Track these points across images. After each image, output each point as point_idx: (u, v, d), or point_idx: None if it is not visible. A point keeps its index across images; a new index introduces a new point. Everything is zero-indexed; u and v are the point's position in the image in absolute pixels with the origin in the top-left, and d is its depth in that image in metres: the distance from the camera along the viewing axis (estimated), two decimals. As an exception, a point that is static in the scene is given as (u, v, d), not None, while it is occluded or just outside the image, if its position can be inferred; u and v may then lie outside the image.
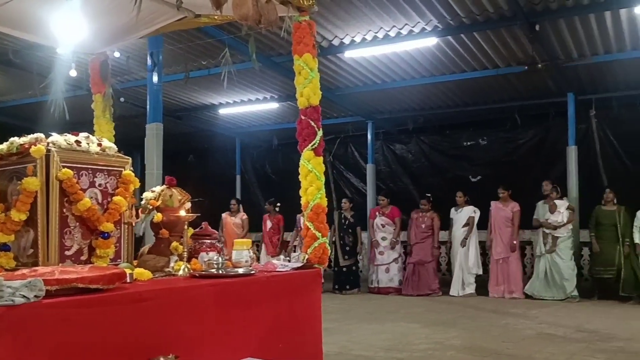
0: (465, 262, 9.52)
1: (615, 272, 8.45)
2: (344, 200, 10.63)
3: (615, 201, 8.78)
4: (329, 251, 3.61)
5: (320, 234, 3.50)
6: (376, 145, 12.50)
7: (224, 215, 10.75)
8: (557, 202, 8.94)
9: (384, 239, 10.04)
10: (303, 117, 3.54)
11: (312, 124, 3.52)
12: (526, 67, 7.92)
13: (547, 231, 8.86)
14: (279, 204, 10.87)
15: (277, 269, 3.27)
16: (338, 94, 10.36)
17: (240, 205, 11.07)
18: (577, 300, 8.53)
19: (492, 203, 9.48)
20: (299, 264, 3.42)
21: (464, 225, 9.63)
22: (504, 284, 9.16)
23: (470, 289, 9.47)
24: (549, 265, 8.80)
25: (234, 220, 10.76)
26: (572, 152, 9.94)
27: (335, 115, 12.00)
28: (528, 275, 9.73)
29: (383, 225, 10.11)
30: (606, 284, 8.66)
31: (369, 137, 12.16)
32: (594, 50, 8.39)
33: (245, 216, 10.94)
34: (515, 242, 9.21)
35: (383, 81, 9.81)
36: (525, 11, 7.04)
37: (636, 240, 8.45)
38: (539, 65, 7.88)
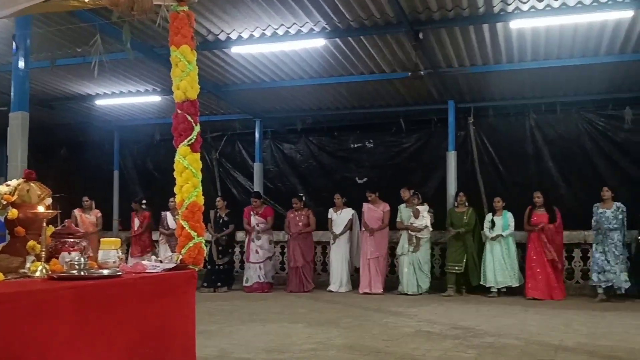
0: (348, 257, 10.12)
1: (463, 268, 9.47)
2: (217, 198, 10.71)
3: (466, 203, 9.75)
4: (205, 251, 3.56)
5: (195, 234, 3.44)
6: (264, 144, 12.52)
7: (76, 211, 10.34)
8: (419, 207, 9.55)
9: (258, 238, 10.23)
10: (179, 111, 3.45)
11: (189, 118, 3.44)
12: (409, 74, 8.29)
13: (412, 233, 9.54)
14: (144, 201, 10.79)
15: (146, 270, 3.16)
16: (225, 90, 10.27)
17: (93, 202, 10.85)
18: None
19: (364, 205, 9.95)
20: (172, 265, 3.33)
21: (345, 227, 10.11)
22: (372, 282, 9.69)
23: (348, 286, 10.00)
24: (413, 263, 9.51)
25: (89, 218, 10.46)
26: (451, 157, 10.54)
27: (223, 112, 11.89)
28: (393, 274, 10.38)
29: (258, 225, 10.31)
30: (457, 278, 9.60)
31: (257, 135, 12.15)
32: (473, 60, 8.96)
33: (99, 214, 10.79)
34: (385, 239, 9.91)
35: (272, 80, 9.86)
36: (409, 19, 7.36)
37: (484, 239, 9.51)
38: (422, 72, 8.28)
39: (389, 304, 8.55)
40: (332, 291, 9.90)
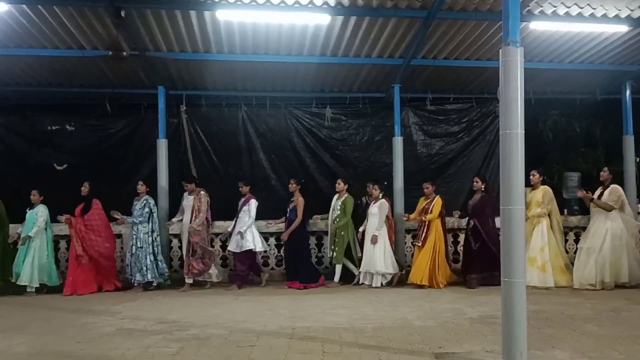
0: None
1: None
2: None
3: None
4: None
5: None
6: None
7: None
8: None
9: None
10: None
11: None
12: (110, 53, 7.94)
13: None
14: None
15: None
16: None
17: None
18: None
19: None
20: None
21: None
22: None
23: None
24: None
25: None
26: (162, 145, 10.43)
27: None
28: None
29: None
30: None
31: None
32: (183, 47, 9.01)
33: None
34: None
35: (-63, 45, 8.55)
36: (109, -6, 7.07)
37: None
38: (124, 53, 7.99)
39: (91, 302, 8.23)
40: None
